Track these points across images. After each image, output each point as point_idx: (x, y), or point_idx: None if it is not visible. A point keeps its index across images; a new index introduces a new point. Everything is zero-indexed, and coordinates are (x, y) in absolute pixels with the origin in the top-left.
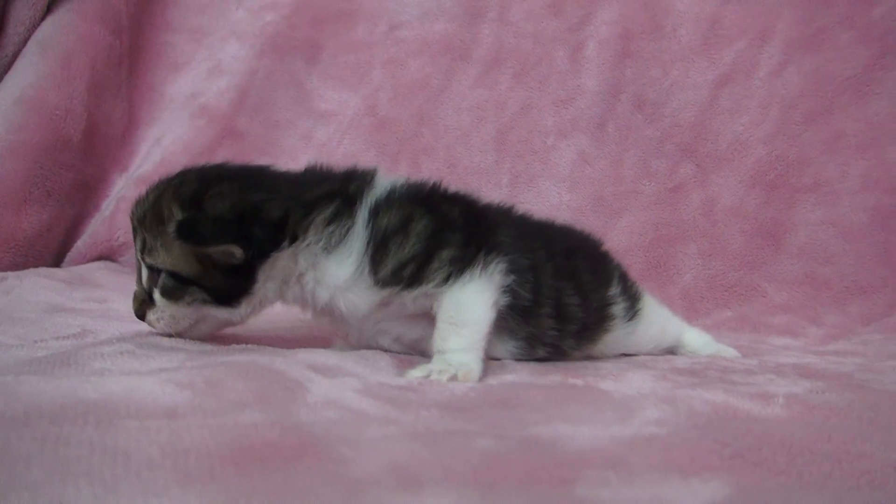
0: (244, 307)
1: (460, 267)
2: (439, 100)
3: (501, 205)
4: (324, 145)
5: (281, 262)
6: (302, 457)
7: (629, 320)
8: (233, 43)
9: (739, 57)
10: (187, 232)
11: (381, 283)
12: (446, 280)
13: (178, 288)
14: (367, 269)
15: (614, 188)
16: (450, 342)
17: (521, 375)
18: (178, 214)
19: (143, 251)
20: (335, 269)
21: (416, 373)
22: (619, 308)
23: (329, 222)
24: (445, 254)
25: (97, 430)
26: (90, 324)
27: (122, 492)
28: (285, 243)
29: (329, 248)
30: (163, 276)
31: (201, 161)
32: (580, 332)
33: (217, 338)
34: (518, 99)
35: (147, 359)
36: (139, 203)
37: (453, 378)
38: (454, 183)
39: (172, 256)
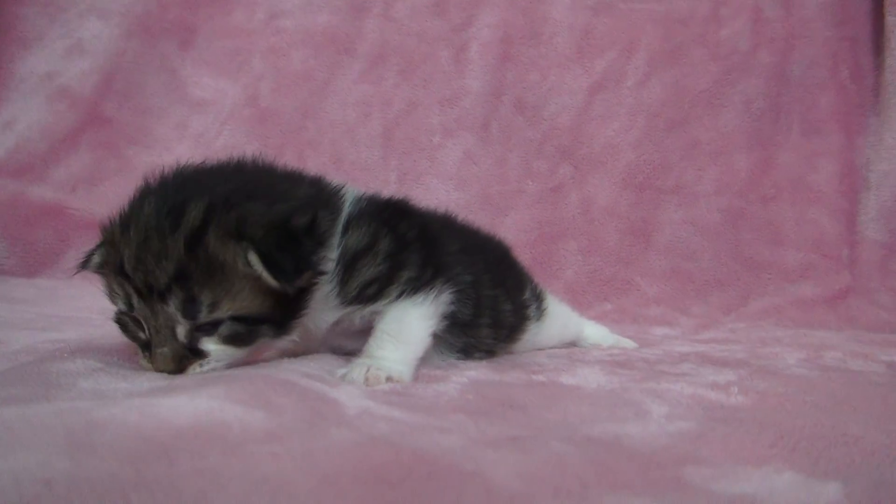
0: (295, 331)
1: (415, 287)
2: (324, 93)
3: (442, 214)
4: (201, 136)
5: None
6: (432, 473)
7: (538, 320)
8: (93, 21)
9: (610, 67)
10: (278, 271)
11: (347, 301)
12: (399, 297)
13: (248, 331)
14: (336, 289)
15: (500, 187)
16: (386, 351)
17: (482, 373)
18: (242, 254)
19: (186, 311)
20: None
21: (354, 373)
22: (532, 309)
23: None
24: (405, 274)
25: (226, 457)
26: None
27: None
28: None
29: None
30: (226, 324)
31: (64, 149)
32: (508, 335)
33: None
34: (404, 96)
35: (135, 377)
36: (150, 257)
37: (389, 379)
38: (340, 178)
39: (240, 300)
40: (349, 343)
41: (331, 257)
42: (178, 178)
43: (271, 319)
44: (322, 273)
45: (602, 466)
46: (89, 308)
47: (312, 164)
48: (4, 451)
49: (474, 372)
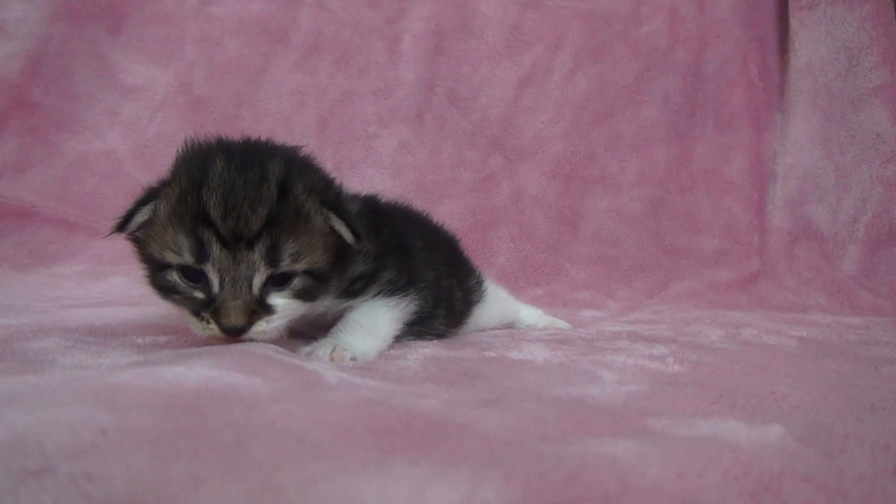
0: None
1: (391, 290)
2: (258, 82)
3: (404, 207)
4: (132, 123)
5: None
6: (430, 426)
7: (480, 303)
8: (17, 3)
9: (538, 61)
10: (357, 230)
11: (338, 292)
12: (375, 296)
13: (315, 288)
14: None
15: (434, 176)
16: (353, 338)
17: (435, 350)
18: (321, 210)
19: (271, 258)
20: None
21: (320, 351)
22: (476, 294)
23: None
24: (385, 276)
25: (247, 413)
26: None
27: (332, 468)
28: None
29: None
30: (300, 277)
31: None
32: (457, 321)
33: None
34: (338, 86)
35: (108, 352)
36: (241, 202)
37: (353, 359)
38: None
39: (315, 255)
40: (313, 333)
41: None
42: (231, 142)
43: (331, 280)
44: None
45: (575, 419)
46: (25, 297)
47: None
48: (47, 406)
49: (428, 350)
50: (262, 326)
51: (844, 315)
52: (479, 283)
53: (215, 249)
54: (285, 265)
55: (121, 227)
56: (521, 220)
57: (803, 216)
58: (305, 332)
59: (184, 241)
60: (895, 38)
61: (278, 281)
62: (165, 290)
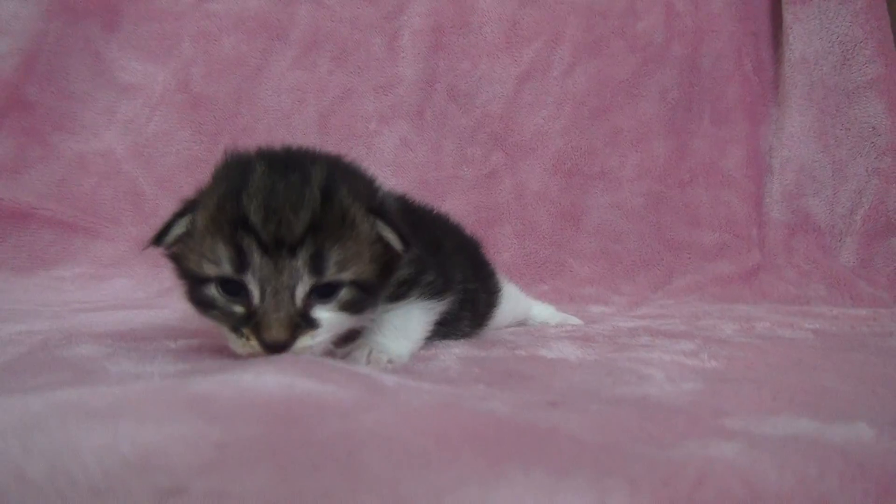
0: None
1: (431, 292)
2: (257, 79)
3: (433, 211)
4: (130, 122)
5: None
6: (519, 430)
7: (499, 304)
8: (10, 0)
9: (537, 57)
10: (403, 233)
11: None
12: (417, 298)
13: (362, 300)
14: None
15: (436, 173)
16: (388, 340)
17: (466, 350)
18: (366, 217)
19: (315, 266)
20: None
21: (356, 354)
22: (497, 295)
23: None
24: (426, 278)
25: (344, 423)
26: None
27: (450, 480)
28: None
29: None
30: (346, 288)
31: None
32: (481, 322)
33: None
34: (338, 83)
35: (152, 359)
36: (284, 207)
37: (389, 362)
38: None
39: (361, 265)
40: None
41: None
42: (272, 150)
43: (379, 291)
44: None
45: (654, 420)
46: (28, 301)
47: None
48: (152, 420)
49: (459, 350)
50: (306, 342)
51: (846, 306)
52: (498, 283)
53: (256, 257)
54: (330, 274)
55: (157, 240)
56: (524, 217)
57: (801, 209)
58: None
59: (222, 250)
60: (889, 31)
61: (323, 293)
62: (204, 306)
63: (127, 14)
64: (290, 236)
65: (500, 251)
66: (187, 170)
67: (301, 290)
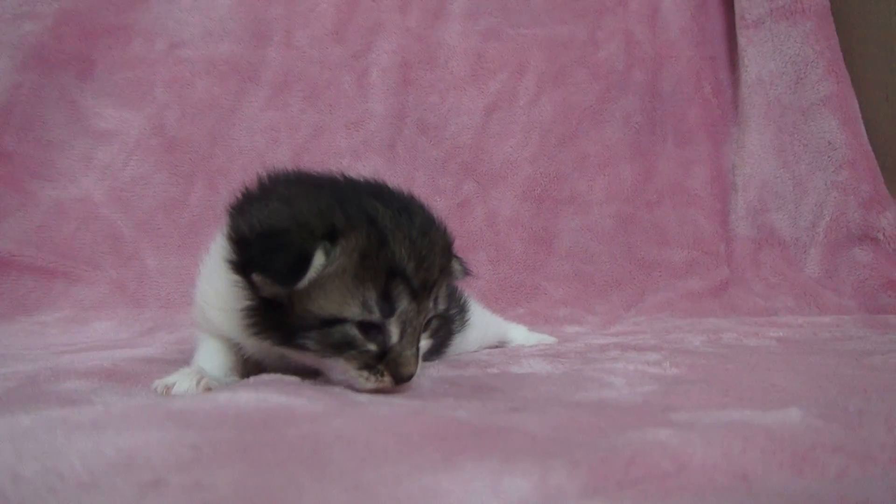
0: None
1: None
2: (231, 121)
3: None
4: (108, 167)
5: None
6: (478, 430)
7: (461, 331)
8: None
9: (503, 88)
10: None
11: None
12: None
13: (442, 325)
14: None
15: None
16: None
17: (440, 370)
18: (448, 249)
19: (437, 303)
20: None
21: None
22: (458, 323)
23: None
24: None
25: (313, 426)
26: None
27: (408, 469)
28: None
29: None
30: (436, 318)
31: None
32: (437, 349)
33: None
34: (310, 121)
35: (134, 393)
36: (428, 253)
37: None
38: None
39: (447, 293)
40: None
41: None
42: (358, 185)
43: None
44: None
45: (605, 417)
46: (11, 345)
47: (224, 192)
48: (134, 430)
49: (434, 371)
50: (418, 370)
51: (813, 315)
52: (463, 312)
53: (405, 302)
54: (442, 305)
55: (301, 271)
56: (497, 243)
57: (765, 224)
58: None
59: (373, 297)
60: (838, 50)
61: (424, 327)
62: (337, 347)
63: (101, 63)
64: (432, 277)
65: (475, 277)
66: (165, 211)
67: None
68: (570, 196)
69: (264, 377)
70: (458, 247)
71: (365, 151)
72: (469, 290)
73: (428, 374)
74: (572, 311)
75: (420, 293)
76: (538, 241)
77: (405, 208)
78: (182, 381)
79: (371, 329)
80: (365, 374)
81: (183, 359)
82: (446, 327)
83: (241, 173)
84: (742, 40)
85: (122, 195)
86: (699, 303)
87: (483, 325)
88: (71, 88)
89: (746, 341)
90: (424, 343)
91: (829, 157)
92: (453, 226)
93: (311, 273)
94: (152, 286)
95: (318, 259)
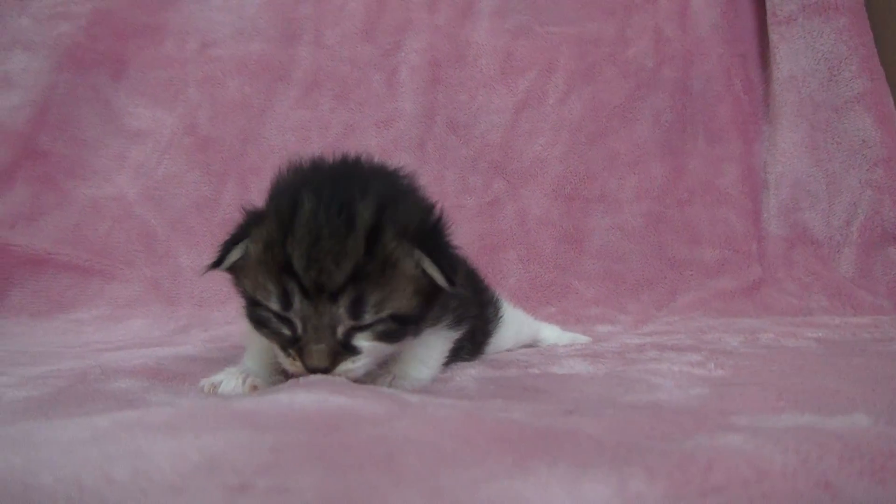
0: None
1: (456, 320)
2: (262, 120)
3: None
4: (141, 166)
5: None
6: (540, 433)
7: (497, 329)
8: (19, 54)
9: (532, 86)
10: (448, 276)
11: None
12: (447, 325)
13: (399, 330)
14: None
15: (440, 203)
16: (409, 368)
17: (481, 371)
18: (410, 253)
19: (354, 311)
20: None
21: (380, 380)
22: (494, 322)
23: None
24: (453, 303)
25: (378, 429)
26: None
27: (483, 473)
28: None
29: None
30: (384, 322)
31: None
32: (477, 349)
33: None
34: (340, 120)
35: (184, 392)
36: (326, 255)
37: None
38: None
39: (400, 300)
40: None
41: None
42: (328, 173)
43: (419, 319)
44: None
45: (664, 420)
46: (49, 343)
47: (256, 191)
48: (209, 431)
49: (473, 370)
50: (347, 366)
51: (848, 316)
52: (497, 310)
53: (296, 300)
54: (368, 317)
55: (216, 265)
56: (527, 241)
57: (798, 222)
58: None
59: (271, 288)
60: (872, 47)
61: (364, 326)
62: (258, 324)
63: (133, 63)
64: (330, 285)
65: (506, 276)
66: (198, 210)
67: (341, 329)
68: (600, 194)
69: (312, 377)
70: (489, 245)
71: (395, 150)
72: (500, 290)
73: (469, 373)
74: (603, 311)
75: (315, 296)
76: (568, 239)
77: (333, 205)
78: (228, 380)
79: (281, 315)
80: (283, 355)
81: (223, 357)
82: (483, 327)
83: (273, 172)
84: (774, 37)
85: (156, 194)
86: (731, 302)
87: (517, 322)
88: (105, 88)
89: (785, 342)
90: (368, 344)
91: (863, 155)
92: (483, 224)
93: (228, 262)
94: (186, 284)
95: (236, 252)
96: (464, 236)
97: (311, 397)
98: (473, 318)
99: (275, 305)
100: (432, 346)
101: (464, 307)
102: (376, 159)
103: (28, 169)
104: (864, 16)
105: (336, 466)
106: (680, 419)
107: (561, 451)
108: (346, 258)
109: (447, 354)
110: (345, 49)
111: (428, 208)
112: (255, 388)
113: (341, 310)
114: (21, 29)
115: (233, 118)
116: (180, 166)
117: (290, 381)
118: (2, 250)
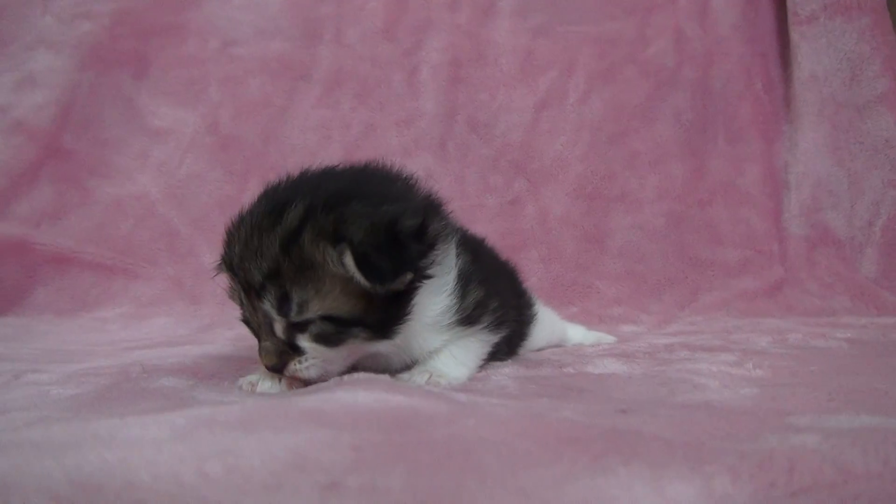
0: (400, 336)
1: (497, 319)
2: (283, 119)
3: (484, 239)
4: (163, 165)
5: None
6: (605, 433)
7: (534, 327)
8: (43, 53)
9: (552, 85)
10: (372, 272)
11: (460, 320)
12: (486, 327)
13: (338, 332)
14: (456, 304)
15: (461, 202)
16: (447, 368)
17: (515, 369)
18: (336, 255)
19: (280, 308)
20: (430, 299)
21: (416, 378)
22: (531, 322)
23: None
24: (493, 305)
25: (450, 428)
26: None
27: (563, 472)
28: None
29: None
30: (316, 323)
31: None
32: (516, 346)
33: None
34: (361, 119)
35: (226, 390)
36: (250, 255)
37: (448, 385)
38: None
39: (330, 301)
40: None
41: (447, 269)
42: (293, 178)
43: (364, 322)
44: (427, 277)
45: (724, 420)
46: (77, 342)
47: None
48: (284, 430)
49: (508, 370)
50: (295, 366)
51: (873, 316)
52: (533, 311)
53: (238, 298)
54: (294, 315)
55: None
56: (548, 241)
57: (819, 223)
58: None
59: (233, 286)
60: (894, 46)
61: (299, 326)
62: (245, 324)
63: (156, 62)
64: (253, 281)
65: (528, 276)
66: (220, 209)
67: (279, 327)
68: (620, 194)
69: (356, 375)
70: (510, 245)
71: (416, 149)
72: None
73: (504, 372)
74: (626, 311)
75: (248, 292)
76: (590, 239)
77: (274, 208)
78: (264, 379)
79: (243, 314)
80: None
81: (253, 356)
82: (520, 329)
83: (294, 171)
84: (795, 36)
85: (178, 192)
86: (754, 303)
87: (550, 322)
88: (127, 87)
89: (814, 342)
90: (308, 345)
91: (885, 154)
92: (504, 224)
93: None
94: (208, 283)
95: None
96: (485, 235)
97: (372, 396)
98: (513, 321)
99: (237, 304)
100: (471, 348)
101: (504, 309)
102: (395, 162)
103: (52, 168)
104: (886, 15)
105: (419, 465)
106: (738, 419)
107: (632, 451)
108: (262, 256)
109: (485, 357)
110: (366, 48)
111: (396, 210)
112: (291, 386)
113: (267, 305)
114: (45, 28)
115: (254, 117)
116: (202, 165)
117: (334, 380)
118: (26, 249)
